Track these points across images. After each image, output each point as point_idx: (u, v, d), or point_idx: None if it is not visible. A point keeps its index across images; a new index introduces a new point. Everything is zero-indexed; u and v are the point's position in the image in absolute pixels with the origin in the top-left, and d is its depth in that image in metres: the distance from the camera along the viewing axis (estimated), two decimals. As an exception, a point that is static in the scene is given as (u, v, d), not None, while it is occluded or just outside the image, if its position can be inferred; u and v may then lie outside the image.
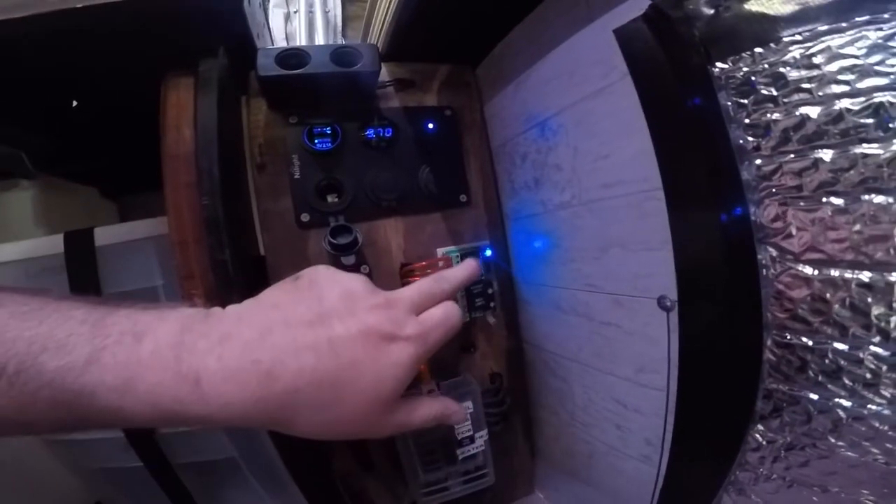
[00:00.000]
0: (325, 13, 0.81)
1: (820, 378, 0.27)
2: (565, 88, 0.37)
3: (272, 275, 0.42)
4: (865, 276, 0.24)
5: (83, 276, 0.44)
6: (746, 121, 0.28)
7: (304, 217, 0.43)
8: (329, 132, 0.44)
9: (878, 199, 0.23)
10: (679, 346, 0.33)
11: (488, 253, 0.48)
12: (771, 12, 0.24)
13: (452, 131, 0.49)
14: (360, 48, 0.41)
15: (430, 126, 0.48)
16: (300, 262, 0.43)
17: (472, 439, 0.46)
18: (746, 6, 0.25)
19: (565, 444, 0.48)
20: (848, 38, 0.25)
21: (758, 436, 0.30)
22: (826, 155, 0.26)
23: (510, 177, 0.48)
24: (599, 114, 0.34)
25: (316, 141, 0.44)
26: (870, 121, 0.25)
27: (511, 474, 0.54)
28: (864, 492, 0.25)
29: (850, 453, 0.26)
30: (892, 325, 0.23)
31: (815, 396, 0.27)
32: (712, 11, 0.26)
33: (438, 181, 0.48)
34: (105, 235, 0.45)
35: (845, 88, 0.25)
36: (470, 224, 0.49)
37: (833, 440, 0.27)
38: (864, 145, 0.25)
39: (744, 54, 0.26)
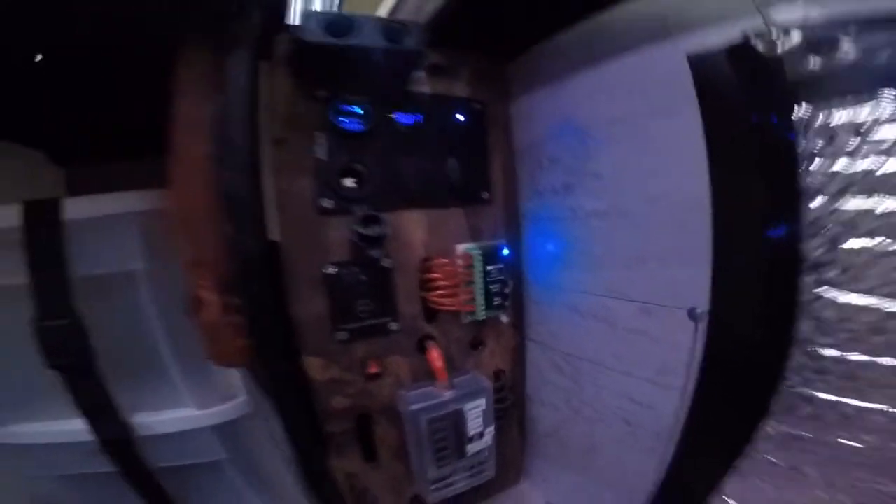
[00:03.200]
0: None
1: (833, 381, 0.29)
2: (621, 101, 0.36)
3: (287, 263, 0.37)
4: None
5: (47, 254, 0.35)
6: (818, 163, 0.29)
7: (326, 202, 0.38)
8: (360, 112, 0.39)
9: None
10: (704, 352, 0.34)
11: (506, 252, 0.47)
12: (870, 65, 0.25)
13: (480, 126, 0.47)
14: (411, 25, 0.36)
15: (460, 118, 0.45)
16: (319, 252, 0.38)
17: (481, 435, 0.46)
18: (845, 56, 0.25)
19: (562, 438, 0.49)
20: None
21: (769, 429, 0.33)
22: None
23: (533, 178, 0.47)
24: (657, 132, 0.34)
25: (345, 120, 0.38)
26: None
27: (502, 467, 0.54)
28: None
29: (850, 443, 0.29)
30: None
31: (826, 396, 0.30)
32: (810, 57, 0.26)
33: (463, 175, 0.45)
34: (76, 208, 0.35)
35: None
36: (490, 221, 0.47)
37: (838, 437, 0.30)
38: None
39: (833, 101, 0.26)
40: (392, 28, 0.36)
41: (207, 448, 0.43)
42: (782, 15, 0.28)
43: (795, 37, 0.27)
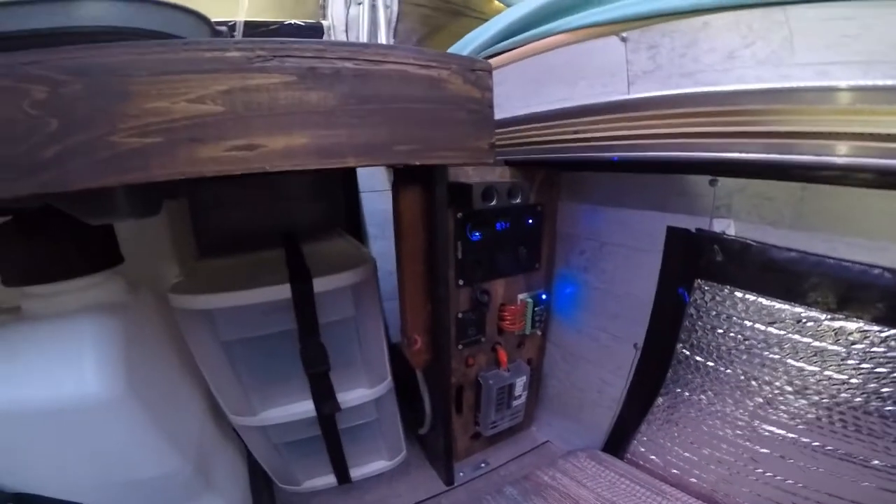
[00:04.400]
0: (387, 8, 0.96)
1: (691, 377, 0.72)
2: (623, 234, 0.73)
3: (447, 313, 0.71)
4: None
5: (306, 311, 0.65)
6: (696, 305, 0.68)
7: (461, 282, 0.73)
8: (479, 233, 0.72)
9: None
10: (637, 362, 0.76)
11: (544, 297, 0.85)
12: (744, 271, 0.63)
13: (539, 222, 0.81)
14: (521, 185, 0.68)
15: (530, 221, 0.79)
16: (457, 305, 0.73)
17: (520, 396, 0.87)
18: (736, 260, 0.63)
19: (562, 400, 0.93)
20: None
21: (659, 400, 0.76)
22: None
23: (567, 257, 0.84)
24: (637, 260, 0.72)
25: (472, 233, 0.71)
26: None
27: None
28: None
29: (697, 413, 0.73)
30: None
31: (680, 389, 0.73)
32: (718, 252, 0.63)
33: (527, 255, 0.80)
34: (320, 284, 0.64)
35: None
36: (537, 280, 0.84)
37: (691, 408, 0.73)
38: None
39: (725, 287, 0.64)
40: (511, 190, 0.68)
41: (369, 413, 0.78)
42: (718, 226, 0.65)
43: (715, 240, 0.64)
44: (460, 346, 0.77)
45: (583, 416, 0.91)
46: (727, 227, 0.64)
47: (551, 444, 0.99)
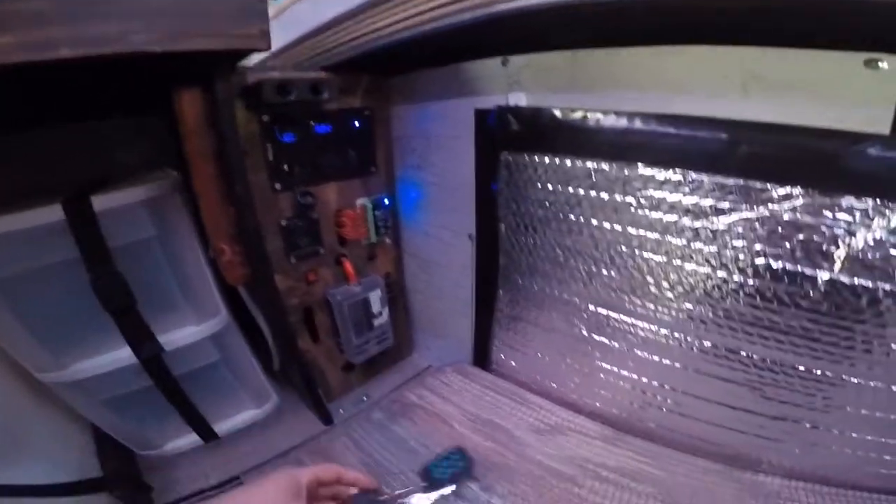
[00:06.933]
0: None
1: (517, 258, 0.81)
2: (444, 126, 0.81)
3: (260, 221, 0.74)
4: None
5: (88, 235, 0.62)
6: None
7: (277, 186, 0.76)
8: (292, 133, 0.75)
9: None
10: (475, 255, 0.84)
11: (387, 202, 0.91)
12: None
13: (369, 125, 0.86)
14: (331, 83, 0.72)
15: (356, 123, 0.83)
16: (276, 213, 0.76)
17: (380, 313, 0.92)
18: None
19: (429, 314, 1.01)
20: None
21: (500, 291, 0.85)
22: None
23: (402, 157, 0.91)
24: (456, 147, 0.80)
25: (283, 134, 0.74)
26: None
27: (399, 340, 1.03)
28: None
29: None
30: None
31: (520, 279, 0.82)
32: (513, 122, 0.71)
33: (359, 158, 0.85)
34: (101, 202, 0.62)
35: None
36: (376, 184, 0.90)
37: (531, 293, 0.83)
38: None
39: (526, 154, 0.72)
40: (316, 85, 0.71)
41: (207, 353, 0.79)
42: (513, 101, 0.73)
43: (509, 111, 0.72)
44: (293, 259, 0.80)
45: (449, 330, 0.99)
46: (519, 99, 0.73)
47: (433, 368, 1.06)
